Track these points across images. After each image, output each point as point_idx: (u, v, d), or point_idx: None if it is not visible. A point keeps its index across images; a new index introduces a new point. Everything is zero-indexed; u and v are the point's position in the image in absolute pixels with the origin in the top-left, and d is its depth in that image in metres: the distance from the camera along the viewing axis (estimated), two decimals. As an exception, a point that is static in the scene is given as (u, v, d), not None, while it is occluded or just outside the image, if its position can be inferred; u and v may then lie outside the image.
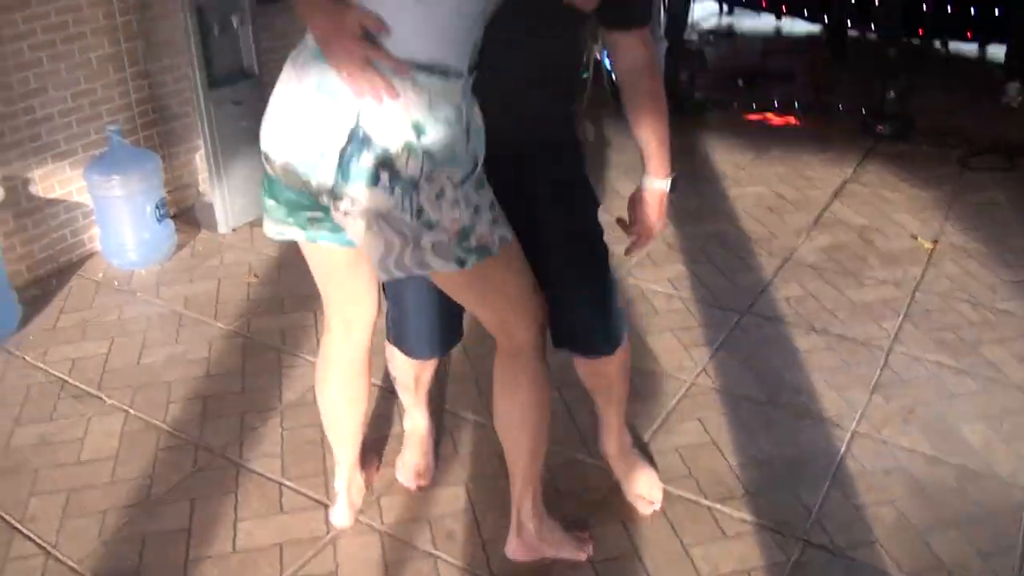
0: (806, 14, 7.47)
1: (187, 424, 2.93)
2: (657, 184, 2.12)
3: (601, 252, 2.21)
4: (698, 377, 3.09)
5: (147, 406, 3.02)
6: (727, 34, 7.53)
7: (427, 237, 1.77)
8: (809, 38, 7.29)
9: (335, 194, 1.74)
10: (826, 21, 6.97)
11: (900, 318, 3.40)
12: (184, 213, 4.29)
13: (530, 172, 2.05)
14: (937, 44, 6.71)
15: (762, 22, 7.80)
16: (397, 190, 1.71)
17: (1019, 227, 4.12)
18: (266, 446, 2.81)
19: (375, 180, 1.70)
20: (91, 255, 4.05)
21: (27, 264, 3.85)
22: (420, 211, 1.74)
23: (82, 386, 3.14)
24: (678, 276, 3.74)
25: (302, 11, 1.72)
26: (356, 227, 1.78)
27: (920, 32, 6.49)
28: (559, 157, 2.11)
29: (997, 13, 6.55)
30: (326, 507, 2.54)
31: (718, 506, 2.53)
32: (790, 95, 5.86)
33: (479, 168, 1.83)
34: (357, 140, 1.68)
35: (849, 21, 6.70)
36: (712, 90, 5.89)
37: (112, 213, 3.86)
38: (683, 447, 2.76)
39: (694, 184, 4.62)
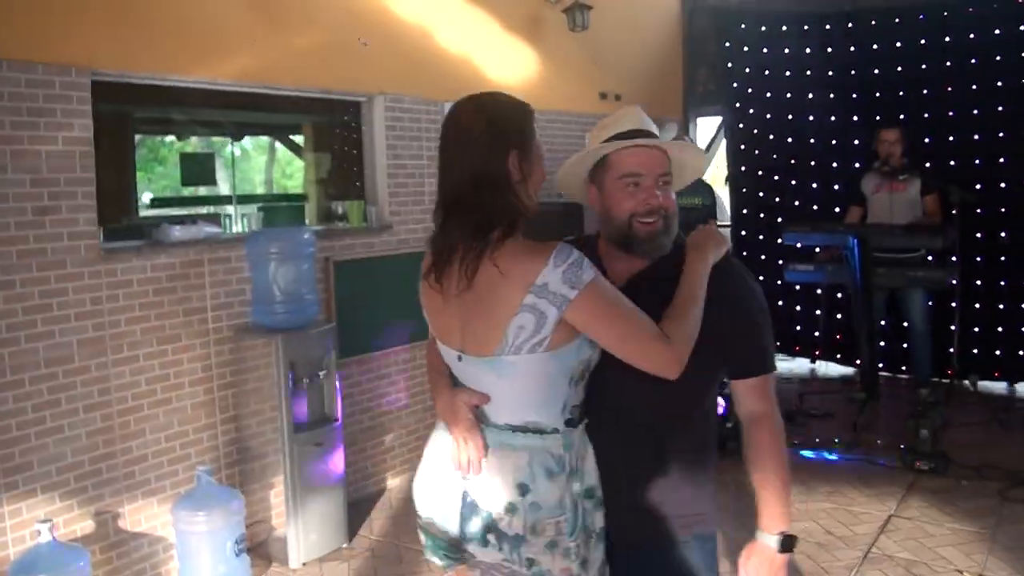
0: (838, 357, 7.94)
1: None
2: (764, 539, 2.16)
3: None
4: None
5: None
6: (764, 377, 7.94)
7: None
8: (843, 379, 7.68)
9: (462, 544, 2.08)
10: (858, 364, 7.39)
11: (955, 654, 3.47)
12: (256, 548, 4.51)
13: (647, 559, 2.14)
14: (967, 383, 7.05)
15: (797, 365, 8.25)
16: (505, 547, 1.99)
17: (1064, 558, 4.23)
18: None
19: (484, 542, 2.02)
20: (167, 589, 4.26)
21: (107, 598, 4.06)
22: (531, 561, 1.99)
23: None
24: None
25: (432, 394, 2.19)
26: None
27: (950, 373, 6.86)
28: (680, 544, 2.15)
29: (1023, 354, 6.98)
30: None
31: None
32: (829, 432, 6.14)
33: (590, 520, 2.04)
34: (467, 504, 2.05)
35: (880, 364, 7.10)
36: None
37: (194, 547, 4.09)
38: None
39: (746, 521, 4.78)
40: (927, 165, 6.84)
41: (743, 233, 8.34)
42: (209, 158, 8.75)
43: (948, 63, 7.20)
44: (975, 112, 7.11)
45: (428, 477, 2.15)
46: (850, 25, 7.67)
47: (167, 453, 4.30)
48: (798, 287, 7.95)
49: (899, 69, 7.45)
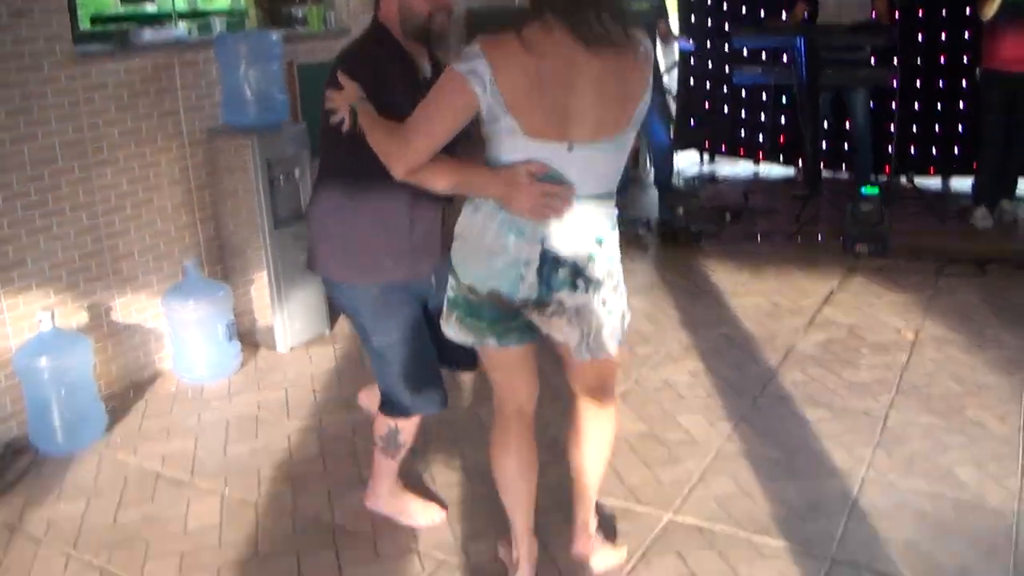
0: (781, 159, 8.25)
1: (280, 498, 3.33)
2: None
3: None
4: (724, 444, 3.55)
5: (241, 488, 3.41)
6: (710, 179, 8.24)
7: (608, 325, 2.40)
8: (785, 180, 8.00)
9: (540, 302, 2.33)
10: (800, 164, 7.70)
11: (893, 393, 3.89)
12: (243, 336, 4.72)
13: None
14: (903, 180, 7.40)
15: (741, 168, 8.55)
16: (590, 290, 2.33)
17: (993, 319, 4.67)
18: (356, 511, 3.19)
19: (574, 287, 2.32)
20: (161, 374, 4.49)
21: (105, 381, 4.26)
22: (605, 302, 2.37)
23: (176, 475, 3.54)
24: (696, 370, 4.22)
25: (477, 191, 2.32)
26: (558, 324, 2.36)
27: (887, 170, 7.20)
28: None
29: (957, 151, 7.33)
30: (415, 553, 2.94)
31: (755, 537, 2.95)
32: (774, 226, 6.49)
33: None
34: (549, 260, 2.29)
35: (821, 163, 7.40)
36: (703, 225, 6.51)
37: (187, 334, 4.33)
38: (718, 496, 3.19)
39: (699, 297, 5.17)
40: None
41: (690, 40, 8.46)
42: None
43: None
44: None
45: (481, 252, 2.33)
46: None
47: (152, 250, 4.45)
48: (744, 92, 8.18)
49: None
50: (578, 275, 2.31)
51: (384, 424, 2.98)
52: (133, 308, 4.40)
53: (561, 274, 2.30)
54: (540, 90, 2.17)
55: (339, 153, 2.69)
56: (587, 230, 2.31)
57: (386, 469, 3.11)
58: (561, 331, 2.37)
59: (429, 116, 2.24)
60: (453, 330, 2.47)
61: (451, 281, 2.43)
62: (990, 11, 5.93)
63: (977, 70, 6.42)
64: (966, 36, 7.05)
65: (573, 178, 2.25)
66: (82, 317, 4.17)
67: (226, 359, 4.41)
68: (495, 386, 2.61)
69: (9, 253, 3.88)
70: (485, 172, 2.30)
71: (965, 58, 7.11)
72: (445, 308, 2.48)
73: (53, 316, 3.80)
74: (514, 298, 2.32)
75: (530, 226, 2.27)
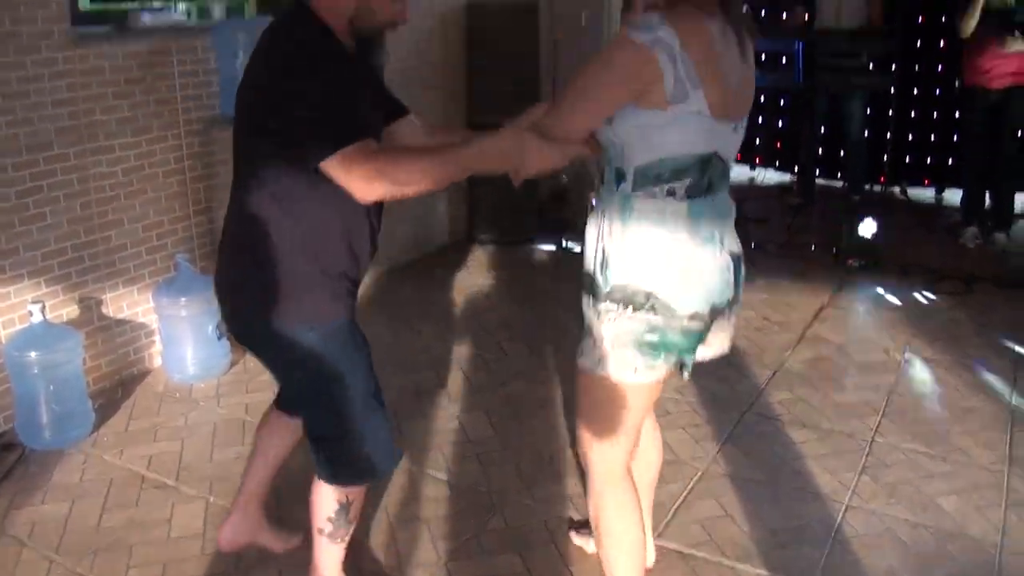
0: (777, 164, 8.25)
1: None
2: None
3: None
4: (710, 465, 3.56)
5: (226, 495, 3.39)
6: (704, 183, 8.22)
7: None
8: (780, 186, 8.00)
9: (732, 303, 2.21)
10: (795, 171, 7.71)
11: (879, 416, 3.92)
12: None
13: None
14: (897, 190, 7.42)
15: (736, 172, 8.52)
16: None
17: (978, 339, 4.71)
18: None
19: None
20: (150, 371, 4.48)
21: (94, 377, 4.24)
22: None
23: (161, 478, 3.53)
24: (683, 385, 4.22)
25: (486, 167, 2.12)
26: (728, 326, 2.28)
27: (882, 179, 7.22)
28: None
29: (951, 162, 7.34)
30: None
31: (738, 564, 2.96)
32: (766, 235, 6.49)
33: None
34: (734, 257, 2.16)
35: (817, 171, 7.42)
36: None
37: (177, 331, 4.31)
38: (703, 519, 3.21)
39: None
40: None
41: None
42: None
43: None
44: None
45: (695, 270, 2.08)
46: None
47: (145, 243, 4.42)
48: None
49: None
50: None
51: (332, 500, 2.52)
52: (124, 303, 4.38)
53: (743, 268, 2.20)
54: (718, 62, 1.95)
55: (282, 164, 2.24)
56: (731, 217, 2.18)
57: (334, 559, 2.67)
58: (727, 332, 2.29)
59: (594, 90, 1.95)
60: (631, 373, 2.15)
61: (650, 322, 2.07)
62: (969, 28, 5.89)
63: (956, 85, 6.37)
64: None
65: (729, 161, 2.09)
66: (72, 310, 4.15)
67: (215, 358, 4.40)
68: (627, 432, 2.28)
69: (2, 241, 3.85)
70: (481, 144, 2.07)
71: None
72: (631, 354, 2.11)
73: (44, 309, 3.78)
74: (722, 306, 2.15)
75: (706, 222, 2.06)
